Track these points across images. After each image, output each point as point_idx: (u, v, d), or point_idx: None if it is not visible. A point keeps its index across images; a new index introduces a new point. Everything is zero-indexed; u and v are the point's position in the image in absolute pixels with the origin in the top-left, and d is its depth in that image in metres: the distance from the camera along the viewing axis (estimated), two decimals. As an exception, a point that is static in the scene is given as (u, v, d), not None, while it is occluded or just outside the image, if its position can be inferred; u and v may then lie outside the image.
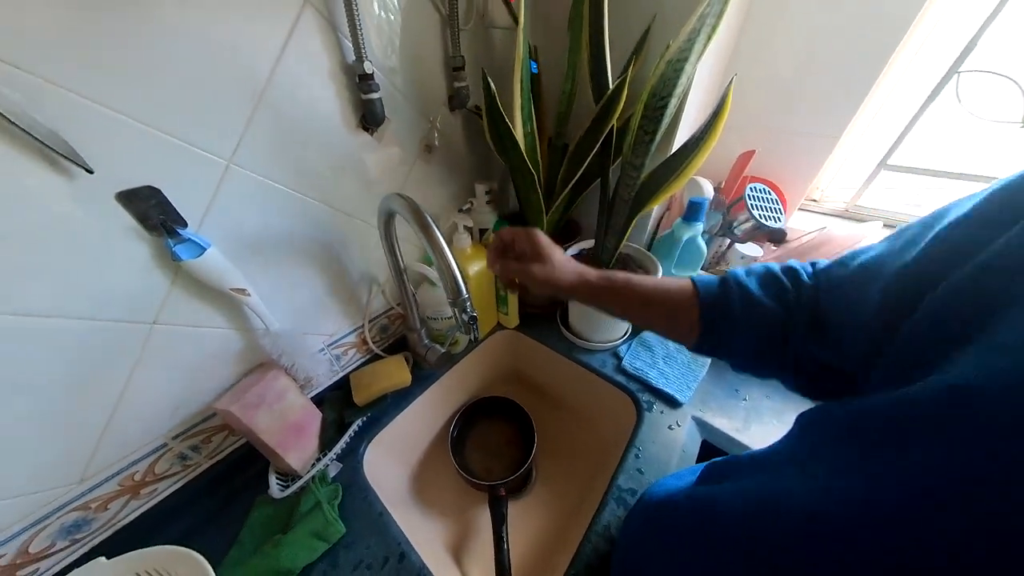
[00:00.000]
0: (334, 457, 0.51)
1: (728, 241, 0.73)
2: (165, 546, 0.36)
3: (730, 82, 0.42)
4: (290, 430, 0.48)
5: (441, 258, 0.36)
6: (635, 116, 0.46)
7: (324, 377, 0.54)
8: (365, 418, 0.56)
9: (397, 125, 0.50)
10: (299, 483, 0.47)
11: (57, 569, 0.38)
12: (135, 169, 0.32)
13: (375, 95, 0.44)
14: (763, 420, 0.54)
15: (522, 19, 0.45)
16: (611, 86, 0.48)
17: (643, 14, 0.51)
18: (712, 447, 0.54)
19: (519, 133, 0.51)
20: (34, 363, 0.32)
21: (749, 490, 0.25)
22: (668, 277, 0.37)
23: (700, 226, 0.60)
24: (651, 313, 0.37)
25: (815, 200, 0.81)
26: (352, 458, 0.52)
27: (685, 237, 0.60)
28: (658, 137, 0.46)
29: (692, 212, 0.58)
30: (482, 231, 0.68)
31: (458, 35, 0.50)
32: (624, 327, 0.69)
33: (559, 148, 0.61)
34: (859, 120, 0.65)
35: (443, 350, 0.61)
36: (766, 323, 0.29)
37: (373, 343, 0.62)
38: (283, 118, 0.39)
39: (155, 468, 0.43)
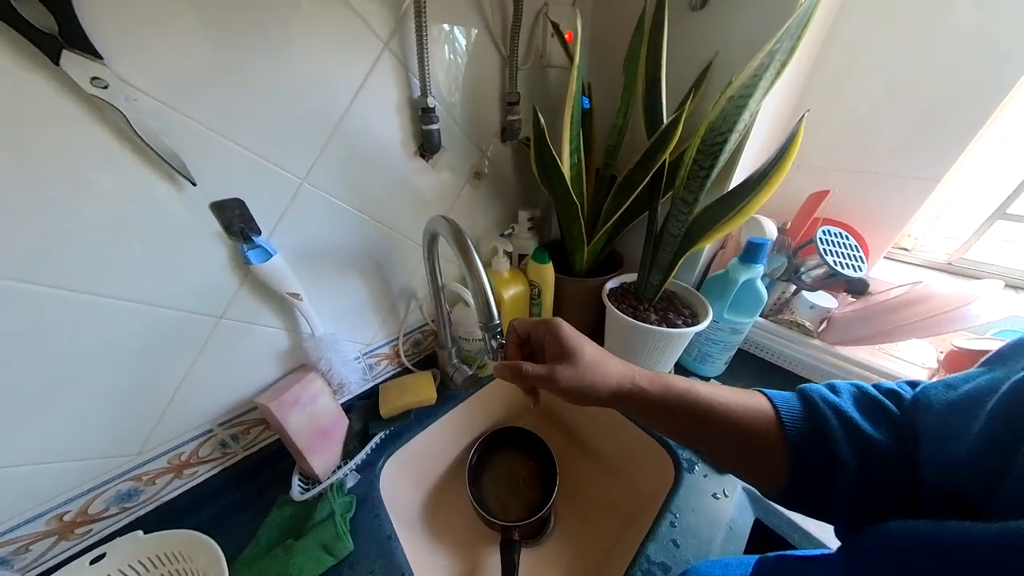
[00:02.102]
0: (354, 467, 0.51)
1: (793, 288, 0.65)
2: (193, 532, 0.38)
3: (801, 118, 0.39)
4: (318, 434, 0.50)
5: (477, 282, 0.36)
6: (690, 151, 0.44)
7: (356, 385, 0.56)
8: (388, 431, 0.56)
9: (451, 153, 0.54)
10: (318, 488, 0.48)
11: (105, 534, 0.42)
12: (227, 183, 0.37)
13: (434, 126, 0.47)
14: (836, 506, 0.45)
15: (576, 58, 0.46)
16: (665, 121, 0.47)
17: (704, 51, 0.50)
18: (768, 529, 0.46)
19: (565, 165, 0.52)
20: (124, 343, 0.37)
21: None
22: (738, 389, 0.29)
23: (760, 268, 0.55)
24: (723, 442, 0.27)
25: (906, 249, 0.71)
26: (370, 471, 0.52)
27: (742, 279, 0.54)
28: (714, 173, 0.43)
29: (751, 253, 0.53)
30: (521, 256, 0.68)
31: (516, 73, 0.53)
32: (666, 369, 0.63)
33: (606, 179, 0.60)
34: (966, 162, 0.57)
35: (471, 372, 0.61)
36: (888, 469, 0.22)
37: (405, 356, 0.64)
38: (352, 144, 0.44)
39: (199, 451, 0.46)
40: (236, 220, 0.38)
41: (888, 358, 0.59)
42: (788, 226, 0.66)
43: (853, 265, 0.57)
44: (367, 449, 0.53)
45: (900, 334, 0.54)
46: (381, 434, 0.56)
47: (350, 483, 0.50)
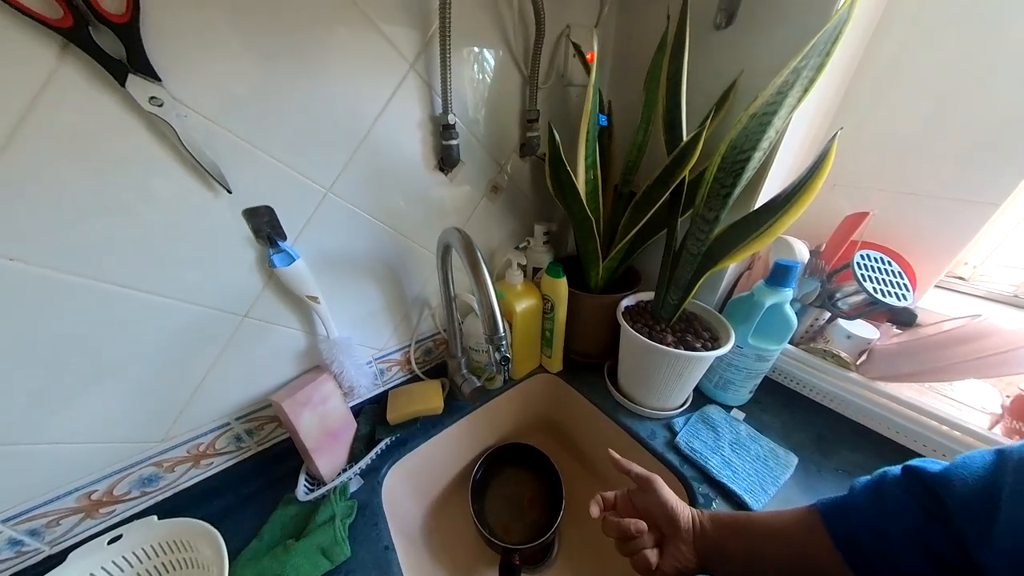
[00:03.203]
0: (358, 472, 0.52)
1: (828, 315, 0.60)
2: (202, 522, 0.40)
3: (834, 136, 0.37)
4: (326, 435, 0.51)
5: (484, 294, 0.37)
6: (711, 168, 0.43)
7: (366, 389, 0.57)
8: (394, 438, 0.57)
9: (470, 167, 0.55)
10: (322, 490, 0.48)
11: (124, 516, 0.44)
12: (259, 191, 0.40)
13: (454, 142, 0.49)
14: (877, 565, 0.40)
15: (593, 76, 0.47)
16: (686, 138, 0.46)
17: (728, 70, 0.49)
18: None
19: (580, 180, 0.52)
20: (159, 335, 0.40)
21: None
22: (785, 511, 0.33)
23: (789, 292, 0.51)
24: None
25: (962, 278, 0.64)
26: (373, 477, 0.52)
27: (768, 303, 0.51)
28: (736, 191, 0.42)
29: (779, 276, 0.50)
30: (536, 270, 0.68)
31: (536, 92, 0.54)
32: (683, 395, 0.60)
33: (625, 195, 0.59)
34: (1032, 184, 0.51)
35: (479, 383, 0.60)
36: (902, 506, 0.26)
37: (416, 364, 0.64)
38: (375, 158, 0.46)
39: (216, 443, 0.49)
40: (265, 226, 0.41)
41: (940, 399, 0.53)
42: (822, 248, 0.62)
43: (897, 293, 0.52)
44: (372, 454, 0.54)
45: (955, 372, 0.49)
46: (387, 440, 0.56)
47: (353, 487, 0.51)
